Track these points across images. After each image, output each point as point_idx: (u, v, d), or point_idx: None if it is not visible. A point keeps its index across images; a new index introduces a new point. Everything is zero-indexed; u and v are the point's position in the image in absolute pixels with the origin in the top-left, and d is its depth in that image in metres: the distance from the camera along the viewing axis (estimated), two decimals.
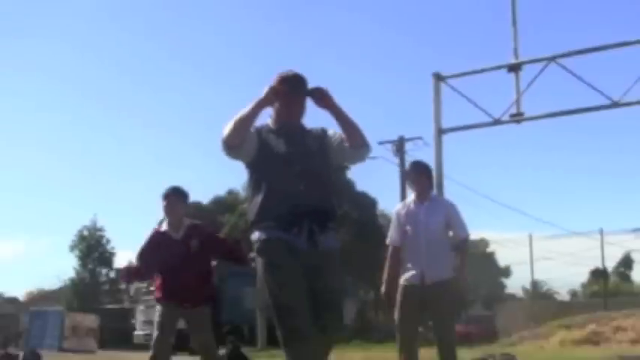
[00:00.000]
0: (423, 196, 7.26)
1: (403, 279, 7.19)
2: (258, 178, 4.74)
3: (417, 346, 7.26)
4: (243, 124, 4.62)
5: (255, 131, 4.72)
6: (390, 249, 7.30)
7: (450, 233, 7.29)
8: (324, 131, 4.91)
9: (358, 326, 34.70)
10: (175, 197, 7.07)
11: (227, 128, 4.63)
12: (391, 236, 7.32)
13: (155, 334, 7.03)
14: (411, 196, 7.47)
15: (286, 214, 4.58)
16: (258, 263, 4.72)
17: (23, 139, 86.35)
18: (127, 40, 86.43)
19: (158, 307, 7.09)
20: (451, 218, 7.28)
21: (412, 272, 7.11)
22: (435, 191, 7.60)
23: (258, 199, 4.69)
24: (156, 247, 7.07)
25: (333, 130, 4.89)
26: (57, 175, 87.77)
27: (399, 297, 7.18)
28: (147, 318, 26.97)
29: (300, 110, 4.83)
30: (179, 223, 7.09)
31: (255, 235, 4.72)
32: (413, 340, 7.23)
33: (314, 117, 4.97)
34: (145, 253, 7.15)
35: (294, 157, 4.68)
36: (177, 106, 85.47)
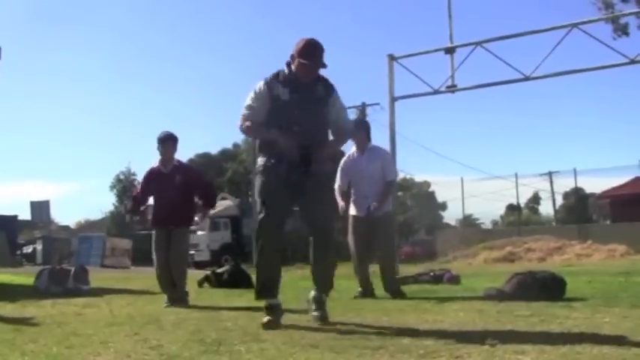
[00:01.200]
0: (361, 147, 7.36)
1: (354, 211, 7.36)
2: (268, 119, 4.65)
3: (368, 262, 7.38)
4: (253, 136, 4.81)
5: (266, 88, 4.62)
6: (339, 192, 7.35)
7: None
8: (332, 89, 4.72)
9: None
10: (171, 141, 7.06)
11: (242, 125, 4.71)
12: (338, 183, 7.39)
13: (154, 255, 7.02)
14: (352, 148, 7.48)
15: (280, 147, 4.54)
16: (256, 181, 4.77)
17: (77, 104, 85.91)
18: (153, 26, 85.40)
19: (153, 232, 7.09)
20: (384, 163, 7.38)
21: (360, 207, 7.28)
22: (375, 144, 7.58)
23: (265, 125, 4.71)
24: (150, 179, 7.14)
25: (337, 99, 4.76)
26: (100, 131, 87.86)
27: (350, 227, 7.38)
28: None
29: (311, 76, 4.61)
30: (169, 161, 7.07)
31: (258, 162, 4.76)
32: (365, 257, 7.35)
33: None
34: (143, 186, 7.26)
35: (294, 103, 4.57)
36: (193, 77, 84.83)
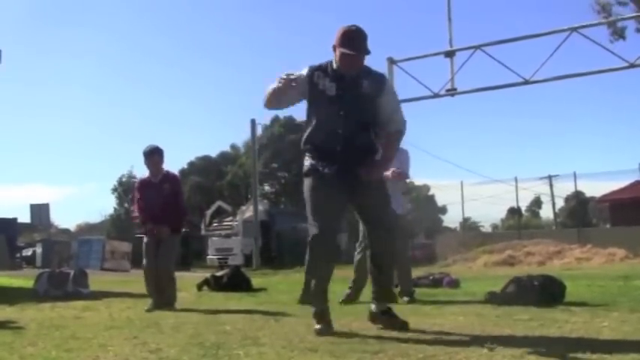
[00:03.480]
0: None
1: None
2: (310, 113, 4.42)
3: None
4: (273, 97, 4.36)
5: (307, 76, 4.31)
6: None
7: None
8: (383, 81, 4.45)
9: None
10: (157, 155, 7.15)
11: (265, 95, 4.40)
12: None
13: (144, 260, 7.15)
14: None
15: (324, 149, 4.34)
16: (304, 183, 4.46)
17: (76, 108, 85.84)
18: (152, 30, 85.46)
19: (144, 239, 7.19)
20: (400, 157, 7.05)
21: None
22: None
23: (307, 131, 4.43)
24: (143, 190, 7.24)
25: (390, 94, 4.46)
26: (100, 135, 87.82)
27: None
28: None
29: (356, 67, 4.27)
30: (158, 172, 7.17)
31: (304, 162, 4.47)
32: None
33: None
34: (139, 200, 7.32)
35: (341, 100, 4.26)
36: (192, 80, 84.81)
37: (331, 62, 4.35)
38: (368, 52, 4.25)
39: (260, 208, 34.02)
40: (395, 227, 4.61)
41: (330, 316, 4.41)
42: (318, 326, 4.27)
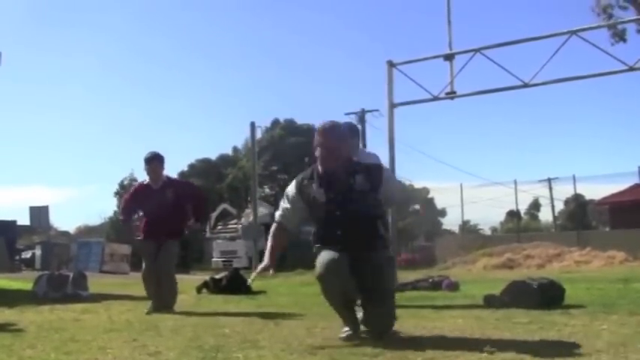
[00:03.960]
0: (355, 153, 7.07)
1: None
2: (312, 218, 4.35)
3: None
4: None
5: (296, 191, 4.30)
6: None
7: None
8: (379, 172, 4.34)
9: None
10: (157, 161, 7.13)
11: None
12: None
13: (143, 265, 7.17)
14: None
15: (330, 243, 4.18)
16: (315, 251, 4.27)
17: (76, 110, 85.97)
18: (153, 32, 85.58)
19: (141, 244, 7.21)
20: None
21: None
22: (373, 151, 7.28)
23: (313, 231, 4.34)
24: (140, 196, 7.20)
25: (389, 183, 4.34)
26: (100, 137, 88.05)
27: None
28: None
29: (330, 162, 4.19)
30: (158, 178, 7.15)
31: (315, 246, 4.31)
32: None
33: None
34: (127, 202, 7.37)
35: (333, 204, 4.15)
36: (192, 82, 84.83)
37: (316, 167, 4.32)
38: (339, 144, 4.21)
39: (267, 211, 34.53)
40: (391, 299, 4.32)
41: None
42: (344, 334, 4.19)
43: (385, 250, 4.29)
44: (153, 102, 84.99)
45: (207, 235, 35.94)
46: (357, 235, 4.15)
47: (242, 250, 32.12)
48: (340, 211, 4.16)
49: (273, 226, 4.49)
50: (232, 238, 33.26)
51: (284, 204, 4.42)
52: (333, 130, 4.26)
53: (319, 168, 4.27)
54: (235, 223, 34.58)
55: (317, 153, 4.25)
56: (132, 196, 7.34)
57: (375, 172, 4.30)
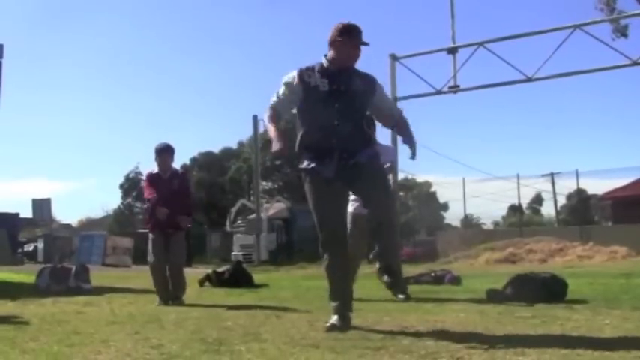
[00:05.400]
0: None
1: (352, 208, 6.62)
2: (303, 113, 4.41)
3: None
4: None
5: (298, 80, 4.33)
6: None
7: None
8: (374, 80, 4.50)
9: None
10: (167, 153, 7.24)
11: (265, 114, 4.48)
12: None
13: (151, 257, 7.14)
14: None
15: (320, 146, 4.32)
16: (305, 187, 4.44)
17: (79, 103, 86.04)
18: (156, 27, 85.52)
19: (150, 236, 7.19)
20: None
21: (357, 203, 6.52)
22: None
23: (300, 133, 4.41)
24: (154, 183, 7.26)
25: (382, 93, 4.58)
26: (103, 130, 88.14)
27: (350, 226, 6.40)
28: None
29: (354, 58, 4.37)
30: (167, 169, 7.26)
31: (301, 165, 4.42)
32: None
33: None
34: (148, 186, 7.35)
35: (334, 95, 4.29)
36: (193, 78, 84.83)
37: (320, 63, 4.41)
38: (366, 44, 4.37)
39: (282, 205, 36.26)
40: (393, 214, 4.65)
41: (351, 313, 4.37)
42: (330, 322, 4.23)
43: (371, 147, 4.51)
44: (155, 95, 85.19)
45: (228, 229, 37.05)
46: (348, 129, 4.30)
47: (261, 243, 32.39)
48: (339, 103, 4.30)
49: (269, 112, 4.46)
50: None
51: (281, 91, 4.43)
52: (360, 30, 4.38)
53: (324, 63, 4.38)
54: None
55: (340, 42, 4.31)
56: (149, 182, 7.39)
57: (370, 81, 4.49)
